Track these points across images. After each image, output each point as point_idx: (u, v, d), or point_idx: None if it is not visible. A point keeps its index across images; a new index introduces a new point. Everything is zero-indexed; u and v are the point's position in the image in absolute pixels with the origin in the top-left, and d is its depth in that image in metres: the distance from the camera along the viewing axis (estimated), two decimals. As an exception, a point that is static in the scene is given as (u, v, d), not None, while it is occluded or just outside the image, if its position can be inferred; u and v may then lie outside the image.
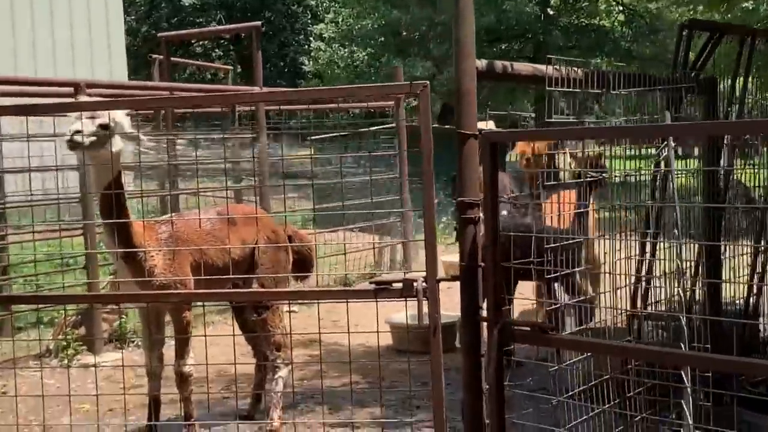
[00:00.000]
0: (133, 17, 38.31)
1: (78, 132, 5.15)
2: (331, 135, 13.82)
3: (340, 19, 33.88)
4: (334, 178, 13.57)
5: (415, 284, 4.44)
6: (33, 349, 8.47)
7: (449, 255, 12.62)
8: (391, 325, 8.61)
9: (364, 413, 6.73)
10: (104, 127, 5.27)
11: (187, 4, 38.56)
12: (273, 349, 6.30)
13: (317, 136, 14.58)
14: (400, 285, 4.49)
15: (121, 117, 5.40)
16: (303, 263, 6.48)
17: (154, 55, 14.60)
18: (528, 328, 4.34)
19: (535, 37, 27.40)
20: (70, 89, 8.58)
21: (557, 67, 4.84)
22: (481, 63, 4.59)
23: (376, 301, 4.58)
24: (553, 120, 4.36)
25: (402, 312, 8.38)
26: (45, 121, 11.10)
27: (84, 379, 7.88)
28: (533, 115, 33.34)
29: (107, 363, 8.38)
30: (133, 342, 8.83)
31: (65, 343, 8.43)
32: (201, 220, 5.80)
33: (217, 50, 40.83)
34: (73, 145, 5.22)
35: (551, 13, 27.47)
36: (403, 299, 4.53)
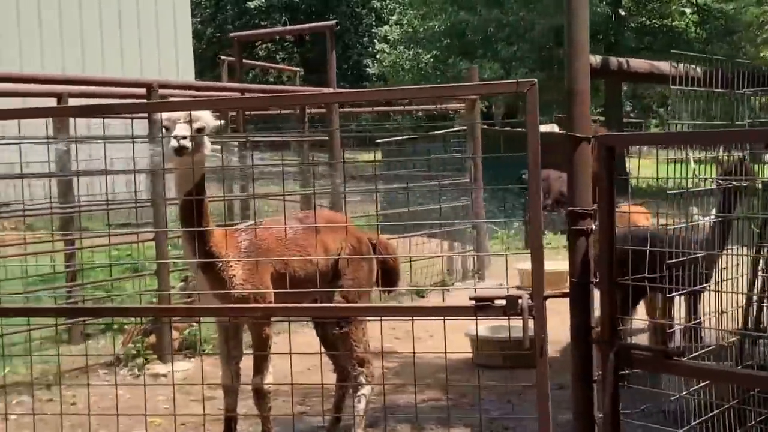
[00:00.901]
0: (198, 19, 38.43)
1: (185, 137, 4.88)
2: (402, 138, 13.46)
3: (404, 21, 33.57)
4: (401, 182, 13.23)
5: (520, 301, 4.05)
6: (101, 357, 8.22)
7: (525, 263, 12.15)
8: (471, 338, 8.20)
9: (450, 435, 6.33)
10: (200, 130, 5.03)
11: (252, 7, 38.59)
12: (355, 365, 5.93)
13: (385, 140, 14.26)
14: (503, 302, 4.11)
15: (209, 119, 5.16)
16: (389, 274, 6.13)
17: (223, 57, 14.45)
18: (649, 353, 3.92)
19: (606, 38, 26.76)
20: (142, 90, 8.34)
21: (674, 64, 4.42)
22: (596, 59, 4.19)
23: (476, 319, 4.21)
24: (681, 122, 3.94)
25: (480, 324, 7.99)
26: (112, 124, 10.91)
27: (154, 389, 7.61)
28: (602, 118, 32.68)
29: (178, 372, 8.11)
30: (204, 351, 8.54)
31: (135, 352, 8.17)
32: (283, 227, 5.46)
33: (280, 53, 40.81)
34: (180, 150, 4.92)
35: (623, 13, 26.79)
36: (506, 317, 4.16)
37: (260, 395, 5.60)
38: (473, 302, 4.18)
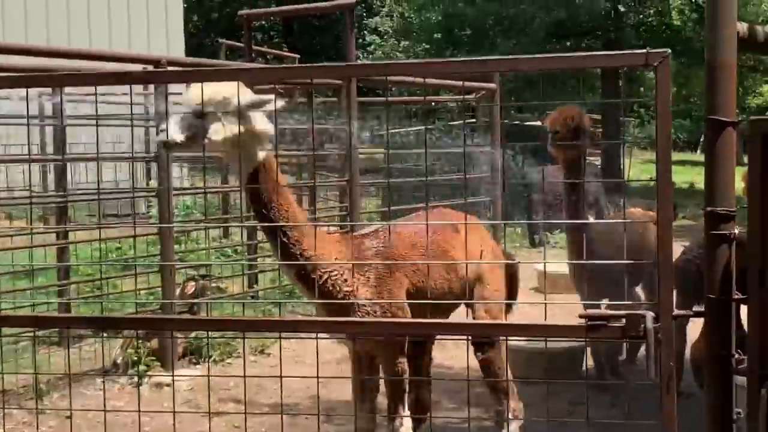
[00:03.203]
0: (184, 6, 37.47)
1: (163, 131, 3.95)
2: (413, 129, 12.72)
3: (395, 13, 32.83)
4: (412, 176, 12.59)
5: (642, 322, 3.30)
6: (96, 362, 7.37)
7: (541, 264, 11.40)
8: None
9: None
10: (199, 114, 3.94)
11: (238, -6, 37.67)
12: (501, 397, 4.93)
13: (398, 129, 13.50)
14: (621, 322, 3.35)
15: (226, 93, 3.92)
16: (510, 288, 5.17)
17: (221, 40, 13.65)
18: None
19: (605, 35, 26.12)
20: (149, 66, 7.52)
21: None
22: (743, 27, 3.42)
23: (586, 340, 3.47)
24: None
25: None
26: (102, 106, 10.01)
27: (158, 400, 6.81)
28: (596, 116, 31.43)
29: (183, 380, 7.29)
30: (210, 357, 7.71)
31: (135, 358, 7.34)
32: (418, 231, 4.49)
33: (267, 42, 39.87)
34: (167, 146, 4.01)
35: (622, 10, 26.11)
36: (624, 340, 3.42)
37: None
38: (583, 321, 3.45)
